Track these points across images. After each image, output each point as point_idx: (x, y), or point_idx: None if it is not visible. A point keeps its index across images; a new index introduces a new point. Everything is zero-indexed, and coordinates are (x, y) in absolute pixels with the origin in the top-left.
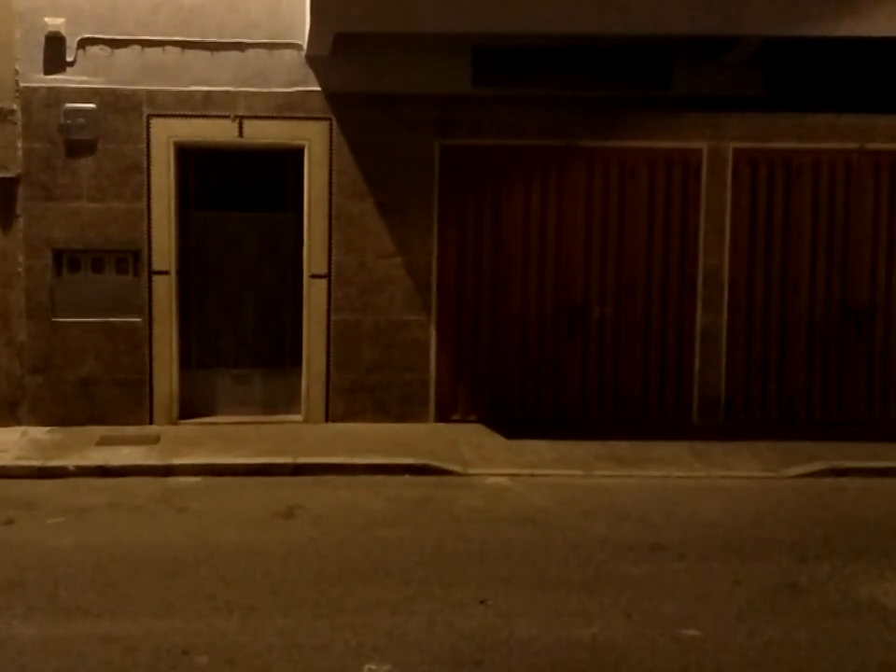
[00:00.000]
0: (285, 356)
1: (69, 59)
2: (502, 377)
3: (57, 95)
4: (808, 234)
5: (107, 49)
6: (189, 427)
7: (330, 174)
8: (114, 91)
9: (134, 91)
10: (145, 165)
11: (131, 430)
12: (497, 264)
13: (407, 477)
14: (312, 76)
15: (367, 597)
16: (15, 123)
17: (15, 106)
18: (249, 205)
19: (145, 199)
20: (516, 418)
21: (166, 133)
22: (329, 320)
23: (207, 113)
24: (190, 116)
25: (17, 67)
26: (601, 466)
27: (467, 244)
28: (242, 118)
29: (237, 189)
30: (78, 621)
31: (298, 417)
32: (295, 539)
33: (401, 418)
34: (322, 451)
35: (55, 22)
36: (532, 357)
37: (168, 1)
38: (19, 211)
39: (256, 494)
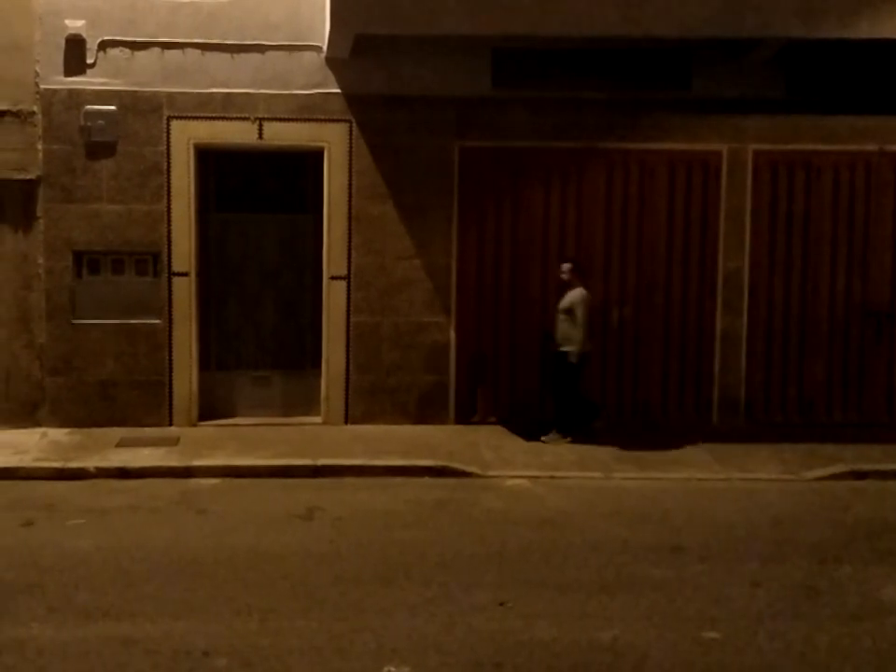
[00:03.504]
0: (304, 357)
1: (89, 61)
2: (522, 379)
3: (77, 97)
4: (828, 236)
5: (127, 51)
6: (208, 429)
7: (350, 175)
8: (134, 92)
9: (154, 93)
10: (164, 167)
11: (150, 432)
12: (517, 266)
13: (427, 479)
14: (331, 78)
15: (386, 599)
16: (35, 125)
17: (35, 108)
18: (269, 207)
19: (165, 201)
20: (536, 420)
21: (186, 135)
22: (348, 322)
23: (227, 115)
24: (210, 118)
25: (37, 69)
26: (621, 468)
27: (486, 245)
28: (261, 119)
29: (257, 191)
30: (98, 622)
31: (317, 419)
32: (314, 540)
33: (421, 420)
34: (342, 453)
35: (75, 25)
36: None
37: (188, 3)
38: (39, 213)
39: (275, 496)
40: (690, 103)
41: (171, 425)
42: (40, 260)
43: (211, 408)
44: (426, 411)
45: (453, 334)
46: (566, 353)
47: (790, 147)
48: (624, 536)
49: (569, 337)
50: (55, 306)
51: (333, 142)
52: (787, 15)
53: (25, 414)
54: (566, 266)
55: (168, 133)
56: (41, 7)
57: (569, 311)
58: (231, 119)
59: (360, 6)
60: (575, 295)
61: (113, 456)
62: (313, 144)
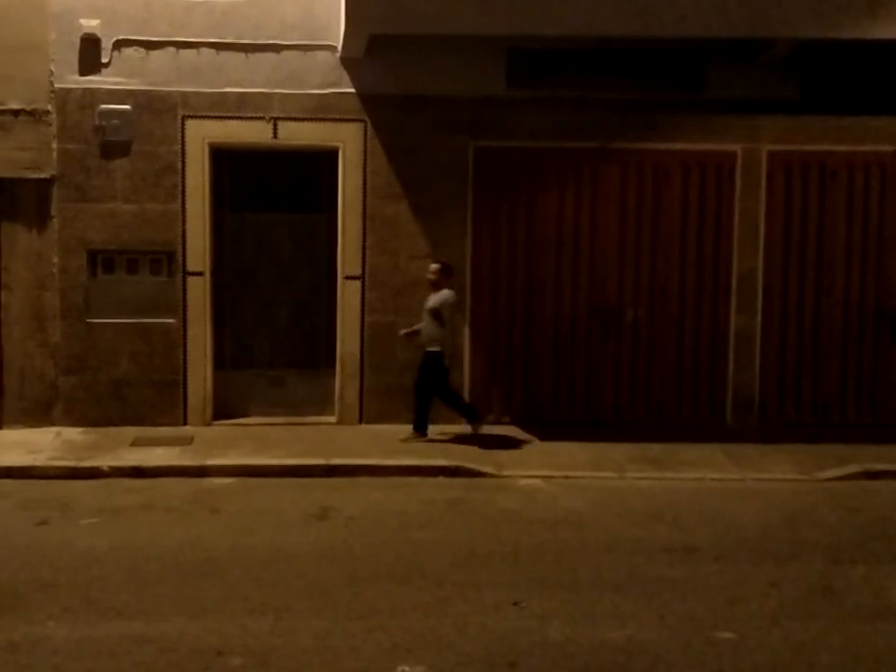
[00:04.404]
0: (318, 357)
1: (104, 60)
2: (536, 379)
3: (92, 96)
4: (842, 237)
5: (142, 50)
6: (222, 428)
7: (365, 175)
8: (148, 92)
9: (169, 93)
10: (179, 166)
11: (164, 431)
12: (531, 266)
13: (440, 479)
14: (346, 77)
15: (400, 599)
16: (50, 124)
17: (50, 107)
18: (283, 207)
19: (179, 200)
20: (550, 420)
21: (201, 135)
22: (362, 321)
23: (242, 114)
24: (225, 117)
25: (52, 68)
26: (635, 468)
27: (500, 245)
28: (276, 119)
29: (271, 191)
30: (112, 621)
31: (331, 419)
32: (328, 540)
33: (435, 420)
34: (356, 452)
35: (90, 24)
36: (566, 359)
37: (203, 3)
38: (53, 212)
39: (289, 495)
40: (704, 103)
41: (185, 424)
42: (54, 259)
43: (225, 407)
44: (440, 410)
45: (467, 334)
46: (431, 352)
47: (804, 147)
48: (638, 536)
49: (434, 337)
50: (69, 305)
51: (348, 142)
52: (802, 16)
53: (39, 413)
54: (434, 267)
55: (183, 132)
56: (56, 7)
57: (436, 312)
58: (246, 118)
59: (375, 5)
60: (441, 296)
61: (127, 456)
62: (327, 143)
